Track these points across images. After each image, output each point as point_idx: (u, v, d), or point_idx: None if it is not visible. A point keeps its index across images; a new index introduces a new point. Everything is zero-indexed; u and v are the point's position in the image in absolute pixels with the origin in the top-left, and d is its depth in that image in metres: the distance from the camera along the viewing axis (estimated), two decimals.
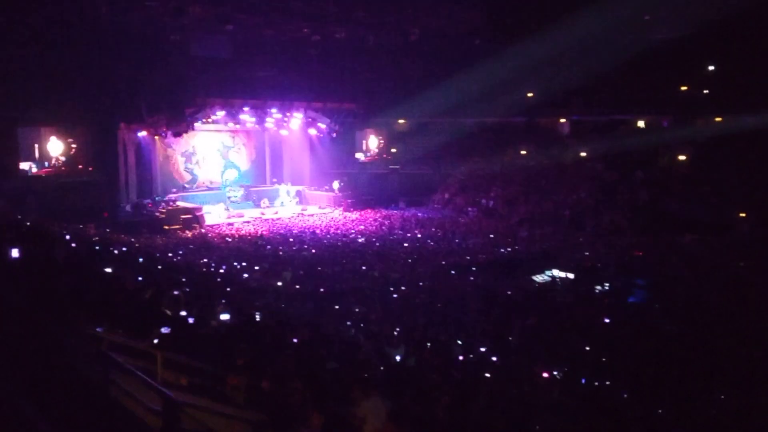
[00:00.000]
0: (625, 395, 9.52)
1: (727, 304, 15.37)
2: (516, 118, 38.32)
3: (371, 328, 11.92)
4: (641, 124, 35.60)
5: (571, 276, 19.48)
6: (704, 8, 27.05)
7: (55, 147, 27.23)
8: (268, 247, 22.96)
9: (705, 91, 32.25)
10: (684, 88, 33.08)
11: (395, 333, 11.82)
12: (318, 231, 26.90)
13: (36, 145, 26.78)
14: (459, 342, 12.00)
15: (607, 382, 10.14)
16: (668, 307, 15.59)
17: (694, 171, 29.43)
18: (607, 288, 17.90)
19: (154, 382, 4.73)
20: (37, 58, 23.30)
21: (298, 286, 16.58)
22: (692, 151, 30.71)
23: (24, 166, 25.88)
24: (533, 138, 37.57)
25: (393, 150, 38.17)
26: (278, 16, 27.68)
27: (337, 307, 14.34)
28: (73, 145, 27.66)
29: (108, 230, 23.56)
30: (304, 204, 34.81)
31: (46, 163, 26.88)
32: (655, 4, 28.18)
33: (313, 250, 22.03)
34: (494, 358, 11.07)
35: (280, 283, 16.71)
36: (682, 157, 30.82)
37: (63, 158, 27.40)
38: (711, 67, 32.16)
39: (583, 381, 10.22)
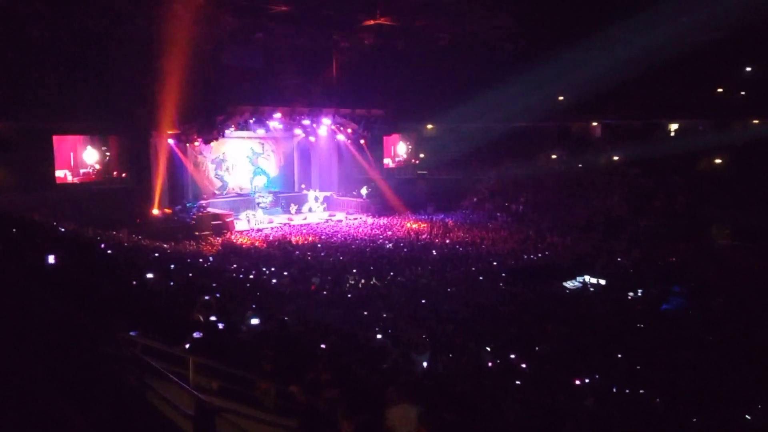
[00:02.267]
0: (660, 404, 9.30)
1: (766, 312, 14.92)
2: (547, 122, 37.99)
3: (399, 334, 11.88)
4: (676, 127, 34.95)
5: (603, 282, 19.17)
6: (741, 9, 26.46)
7: (91, 155, 27.90)
8: (297, 252, 23.10)
9: (742, 93, 31.51)
10: (720, 90, 32.37)
11: (423, 339, 11.77)
12: (346, 237, 26.97)
13: (72, 154, 27.44)
14: (488, 349, 11.88)
15: (641, 391, 9.92)
16: (705, 314, 15.22)
17: (731, 175, 28.70)
18: (640, 295, 17.55)
19: (187, 386, 4.79)
20: (71, 69, 23.90)
21: (326, 292, 16.65)
22: (729, 154, 30.00)
23: (60, 174, 26.49)
24: (565, 143, 37.19)
25: (421, 155, 38.13)
26: (308, 25, 27.92)
27: (365, 312, 14.34)
28: (107, 154, 28.31)
29: (140, 236, 23.97)
30: (332, 210, 34.97)
31: (82, 171, 27.52)
32: (691, 5, 27.63)
33: (341, 257, 22.08)
34: (524, 366, 10.93)
35: (309, 289, 16.81)
36: (718, 161, 30.13)
37: (98, 166, 28.04)
38: (748, 69, 31.43)
39: (615, 389, 10.03)
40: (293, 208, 33.55)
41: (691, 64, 30.14)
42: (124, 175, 28.41)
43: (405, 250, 23.70)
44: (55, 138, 26.42)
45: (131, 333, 6.19)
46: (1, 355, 4.79)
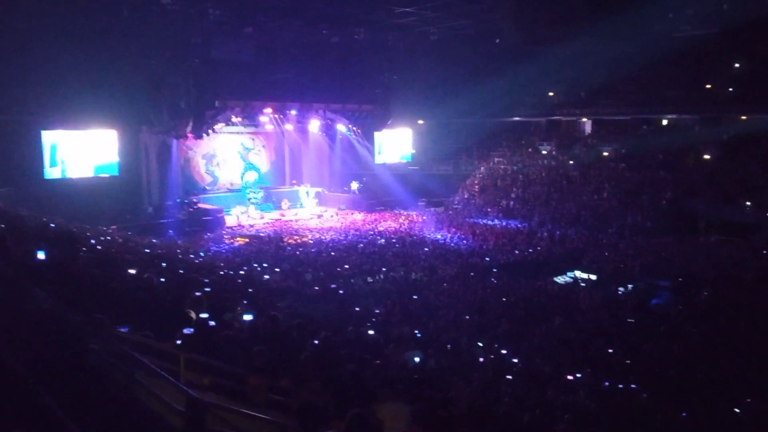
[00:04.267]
0: (649, 398, 9.38)
1: (752, 307, 15.06)
2: (537, 117, 38.10)
3: (391, 330, 11.90)
4: (665, 123, 35.14)
5: (593, 277, 19.28)
6: (729, 5, 26.61)
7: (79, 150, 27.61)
8: (288, 248, 23.06)
9: (730, 89, 31.70)
10: (709, 86, 32.56)
11: (415, 335, 11.80)
12: (337, 232, 26.96)
13: (60, 149, 27.16)
14: (480, 344, 11.93)
15: (632, 385, 10.00)
16: (692, 309, 15.34)
17: (719, 171, 28.90)
18: (630, 289, 17.67)
19: (178, 382, 4.76)
20: (60, 62, 23.63)
21: (317, 288, 16.64)
22: (717, 150, 30.20)
23: (49, 169, 26.22)
24: (555, 138, 37.32)
25: (412, 151, 38.13)
26: (298, 19, 27.79)
27: (357, 309, 14.35)
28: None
29: (130, 232, 23.82)
30: (324, 205, 34.93)
31: (70, 167, 27.24)
32: (680, 1, 27.75)
33: (333, 253, 22.06)
34: (516, 360, 10.98)
35: (300, 285, 16.79)
36: (707, 157, 30.33)
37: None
38: (737, 65, 31.61)
39: (607, 384, 10.10)
40: (285, 203, 33.47)
41: (680, 59, 30.29)
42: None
43: (397, 245, 23.72)
44: (44, 133, 26.11)
45: (121, 329, 6.16)
46: None
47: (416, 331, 12.08)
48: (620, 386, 9.97)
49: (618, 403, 9.12)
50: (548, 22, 29.91)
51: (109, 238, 20.13)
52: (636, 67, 31.14)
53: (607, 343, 12.17)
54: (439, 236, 26.16)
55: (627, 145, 32.55)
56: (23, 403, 4.00)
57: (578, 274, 19.95)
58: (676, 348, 11.68)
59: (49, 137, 26.03)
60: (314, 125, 34.54)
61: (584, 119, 37.32)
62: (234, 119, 31.17)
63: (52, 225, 17.49)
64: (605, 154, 33.26)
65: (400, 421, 4.87)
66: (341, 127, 34.89)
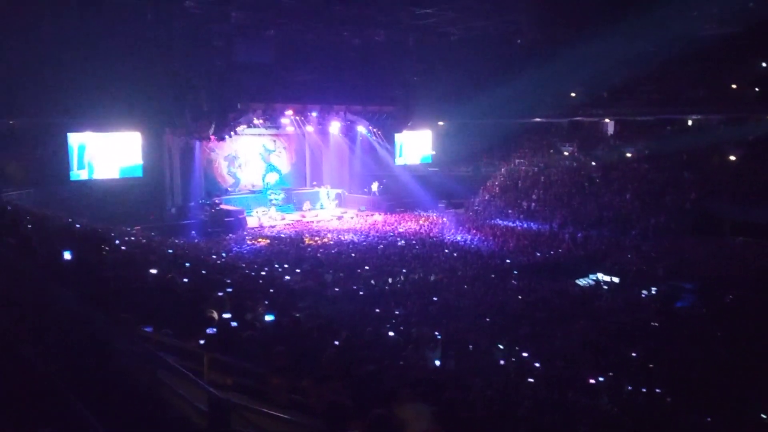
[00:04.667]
0: (673, 402, 9.26)
1: None
2: (559, 118, 37.78)
3: (411, 331, 11.89)
4: (689, 123, 34.63)
5: (616, 280, 19.07)
6: (755, 4, 26.14)
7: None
8: (309, 249, 23.16)
9: (756, 89, 31.12)
10: (734, 86, 32.01)
11: (435, 336, 11.78)
12: (357, 234, 27.01)
13: (87, 151, 27.60)
14: (500, 346, 11.87)
15: (657, 390, 9.87)
16: (717, 312, 15.10)
17: (744, 171, 28.40)
18: (654, 292, 17.44)
19: (204, 382, 4.82)
20: (85, 66, 24.04)
21: (337, 289, 16.69)
22: (743, 150, 29.67)
23: (76, 171, 26.66)
24: (576, 138, 36.98)
25: (433, 152, 38.06)
26: (319, 21, 27.93)
27: (377, 310, 14.37)
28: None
29: (153, 233, 24.13)
30: (344, 207, 35.02)
31: (96, 168, 27.67)
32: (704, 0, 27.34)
33: (353, 254, 22.11)
34: (537, 364, 10.90)
35: (320, 286, 16.86)
36: (732, 157, 29.82)
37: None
38: (763, 64, 31.03)
39: (629, 388, 9.99)
40: (306, 205, 33.63)
41: (704, 59, 29.82)
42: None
43: (417, 247, 23.70)
44: (71, 135, 26.56)
45: (146, 329, 6.25)
46: (15, 350, 4.84)
47: (436, 333, 12.06)
48: (643, 390, 9.85)
49: (641, 408, 9.01)
50: (569, 22, 29.69)
51: (133, 238, 20.42)
52: (659, 66, 30.74)
53: (630, 347, 12.04)
54: (459, 238, 26.07)
55: (650, 145, 32.11)
56: (50, 403, 4.07)
57: (600, 276, 19.75)
58: (701, 352, 11.51)
59: (75, 139, 26.50)
60: (335, 127, 34.65)
61: (607, 120, 36.92)
62: (255, 121, 31.42)
63: (78, 226, 17.79)
64: (628, 155, 32.86)
65: (421, 422, 4.87)
66: (362, 129, 34.96)
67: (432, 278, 18.68)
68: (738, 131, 30.89)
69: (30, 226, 13.21)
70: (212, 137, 30.04)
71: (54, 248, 9.89)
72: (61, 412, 3.91)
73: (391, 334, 10.90)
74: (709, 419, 8.68)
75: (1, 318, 5.44)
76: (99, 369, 5.02)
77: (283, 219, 31.29)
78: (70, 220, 19.15)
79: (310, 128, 34.38)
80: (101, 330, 5.65)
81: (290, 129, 34.35)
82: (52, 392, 4.22)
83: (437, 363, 9.46)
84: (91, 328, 5.74)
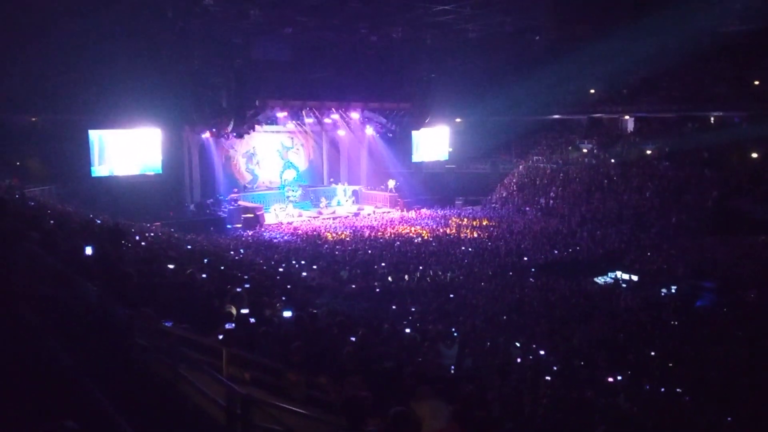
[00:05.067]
0: (692, 402, 9.16)
1: None
2: (578, 115, 37.45)
3: (427, 328, 11.90)
4: (711, 120, 34.13)
5: (635, 278, 18.89)
6: None
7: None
8: (326, 246, 23.25)
9: None
10: (757, 82, 31.48)
11: (451, 334, 11.77)
12: (374, 230, 27.02)
13: (107, 148, 27.92)
14: (517, 344, 11.83)
15: (677, 390, 9.78)
16: (738, 311, 14.90)
17: (766, 169, 27.95)
18: (673, 291, 17.26)
19: (222, 377, 4.87)
20: (106, 64, 24.32)
21: (354, 285, 16.74)
22: (765, 148, 29.20)
23: (97, 167, 27.00)
24: (596, 136, 36.65)
25: (450, 149, 37.96)
26: (336, 18, 27.95)
27: (393, 306, 14.39)
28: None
29: (173, 229, 24.38)
30: (361, 203, 35.08)
31: (117, 165, 27.98)
32: None
33: (369, 251, 22.14)
34: (554, 362, 10.85)
35: (337, 282, 16.92)
36: (754, 155, 29.36)
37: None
38: None
39: (648, 387, 9.90)
40: (323, 201, 33.77)
41: (726, 55, 29.37)
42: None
43: (433, 244, 23.66)
44: (92, 132, 26.88)
45: (166, 323, 6.31)
46: (39, 344, 4.92)
47: (453, 330, 12.06)
48: (662, 390, 9.77)
49: (660, 407, 8.93)
50: (588, 18, 29.38)
51: (152, 234, 20.64)
52: (680, 63, 30.32)
53: (649, 346, 11.93)
54: (475, 234, 25.97)
55: (671, 143, 31.72)
56: (73, 396, 4.13)
57: (619, 274, 19.58)
58: (721, 351, 11.38)
59: (96, 136, 26.82)
60: (352, 124, 34.72)
61: (626, 117, 36.53)
62: (279, 114, 31.63)
63: (99, 221, 18.03)
64: (648, 152, 32.49)
65: (439, 419, 4.88)
66: (378, 126, 34.97)
67: (449, 275, 18.65)
68: (760, 129, 30.34)
69: (52, 222, 13.40)
70: (231, 134, 30.24)
71: (76, 243, 10.02)
72: (84, 405, 3.96)
73: (407, 331, 10.92)
74: (729, 419, 8.59)
75: (24, 312, 5.53)
76: (121, 363, 5.09)
77: (300, 216, 31.42)
78: (91, 215, 19.41)
79: (327, 123, 34.51)
80: (123, 324, 5.73)
81: (308, 126, 34.49)
82: (75, 386, 4.28)
83: (454, 360, 9.44)
84: (113, 323, 5.82)
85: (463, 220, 29.54)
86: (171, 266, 11.11)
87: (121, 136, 27.25)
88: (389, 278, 18.02)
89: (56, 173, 25.86)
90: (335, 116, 33.66)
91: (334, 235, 26.04)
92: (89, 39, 24.06)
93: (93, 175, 26.73)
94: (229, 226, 27.73)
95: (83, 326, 5.91)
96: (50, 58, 23.95)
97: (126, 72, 24.70)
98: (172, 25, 26.32)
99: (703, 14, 27.82)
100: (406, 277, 18.23)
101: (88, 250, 9.51)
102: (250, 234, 26.72)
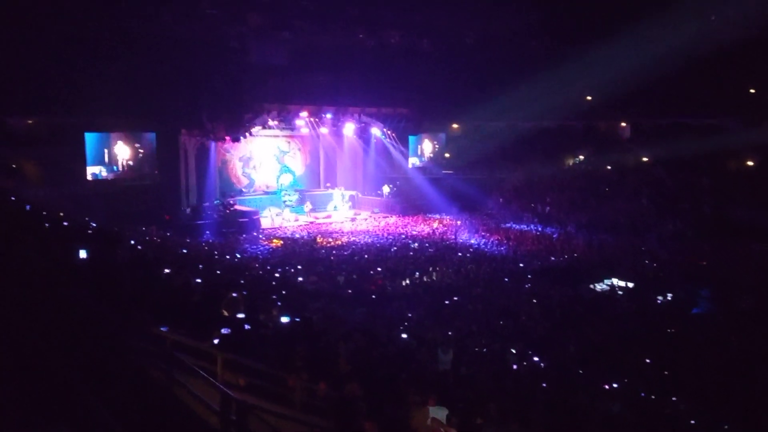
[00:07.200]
0: (688, 409, 9.15)
1: None
2: (574, 121, 37.53)
3: (423, 333, 11.87)
4: (706, 127, 34.22)
5: (631, 285, 18.89)
6: None
7: (123, 151, 28.29)
8: (322, 251, 23.20)
9: None
10: (752, 90, 31.64)
11: (447, 340, 11.74)
12: (370, 236, 27.00)
13: (105, 150, 27.86)
14: (513, 351, 11.80)
15: (673, 397, 9.76)
16: (734, 318, 14.92)
17: (762, 176, 28.03)
18: (669, 298, 17.26)
19: (216, 382, 4.84)
20: (103, 66, 24.27)
21: (350, 291, 16.69)
22: (761, 155, 29.30)
23: (94, 170, 26.91)
24: (592, 142, 36.72)
25: (447, 155, 37.97)
26: (333, 23, 28.00)
27: (389, 312, 14.35)
28: (140, 150, 28.64)
29: (168, 233, 24.27)
30: (357, 208, 35.04)
31: (115, 167, 27.91)
32: (721, 3, 27.01)
33: (366, 256, 22.10)
34: (550, 369, 10.83)
35: (333, 287, 16.87)
36: (749, 162, 29.46)
37: (131, 162, 28.41)
38: None
39: (643, 394, 9.89)
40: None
41: (722, 62, 29.47)
42: (156, 172, 28.71)
43: (430, 250, 23.64)
44: (90, 135, 26.80)
45: (161, 328, 6.28)
46: (31, 349, 4.88)
47: (449, 334, 12.03)
48: (658, 396, 9.75)
49: (656, 414, 8.92)
50: (584, 24, 29.49)
51: (148, 238, 20.56)
52: (676, 70, 30.41)
53: (645, 353, 11.92)
54: (472, 241, 25.96)
55: (667, 150, 31.81)
56: (67, 400, 4.10)
57: (616, 281, 19.58)
58: (717, 358, 11.37)
59: (91, 139, 26.72)
60: (349, 129, 34.71)
61: (622, 123, 36.62)
62: (270, 122, 31.55)
63: (93, 225, 17.95)
64: (644, 159, 32.57)
65: (435, 424, 4.86)
66: (376, 131, 34.98)
67: (445, 281, 18.62)
68: (756, 136, 30.47)
69: (47, 225, 13.34)
70: (227, 138, 30.18)
71: (70, 247, 9.98)
72: (78, 409, 3.93)
73: (403, 336, 10.88)
74: (725, 426, 8.58)
75: (18, 316, 5.50)
76: (115, 367, 5.06)
77: (297, 220, 31.36)
78: (86, 219, 19.33)
79: (324, 130, 34.45)
80: (117, 329, 5.69)
81: (305, 130, 34.44)
82: (68, 390, 4.25)
83: (450, 366, 9.41)
84: (107, 328, 5.78)
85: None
86: (166, 270, 11.07)
87: (117, 139, 27.16)
88: (386, 283, 17.96)
89: (51, 176, 25.75)
90: (332, 121, 33.61)
91: (330, 240, 26.00)
92: (85, 42, 24.04)
93: (88, 178, 26.59)
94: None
95: (77, 331, 5.87)
96: (45, 60, 23.89)
97: (122, 75, 24.63)
98: (170, 29, 26.30)
99: (698, 21, 27.98)
100: (403, 282, 18.19)
101: (83, 254, 9.46)
102: (245, 237, 26.66)
